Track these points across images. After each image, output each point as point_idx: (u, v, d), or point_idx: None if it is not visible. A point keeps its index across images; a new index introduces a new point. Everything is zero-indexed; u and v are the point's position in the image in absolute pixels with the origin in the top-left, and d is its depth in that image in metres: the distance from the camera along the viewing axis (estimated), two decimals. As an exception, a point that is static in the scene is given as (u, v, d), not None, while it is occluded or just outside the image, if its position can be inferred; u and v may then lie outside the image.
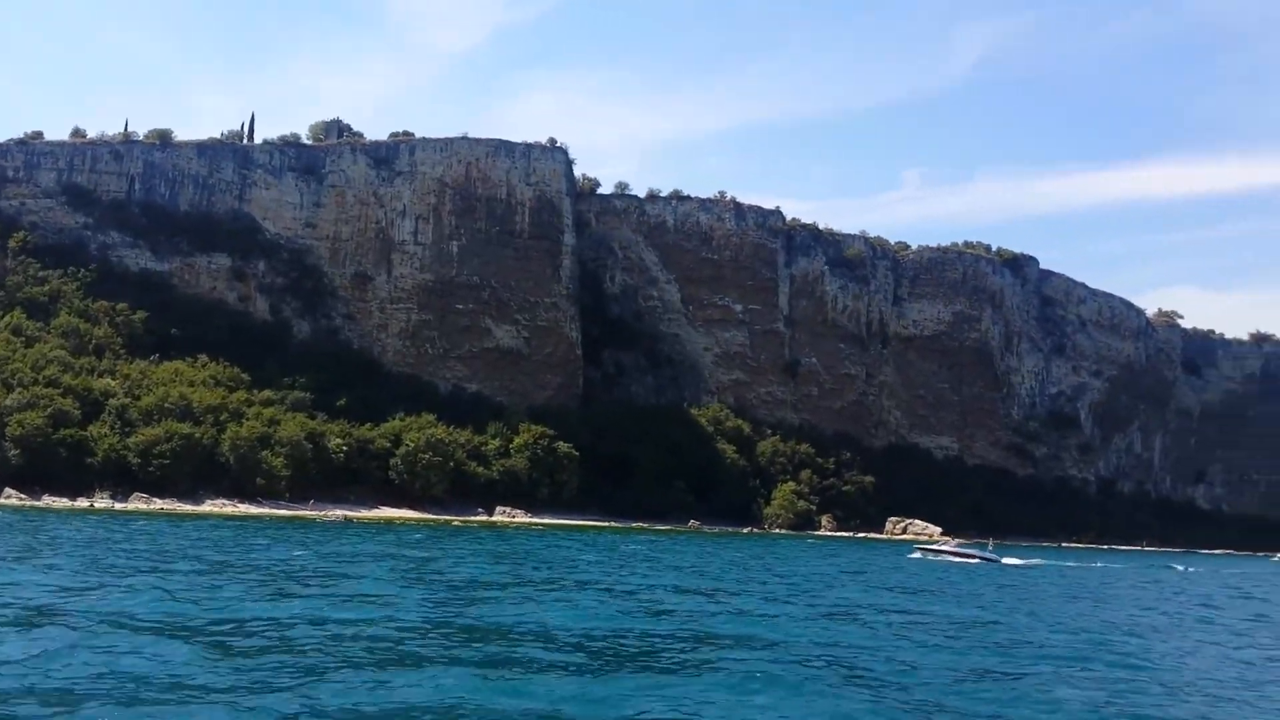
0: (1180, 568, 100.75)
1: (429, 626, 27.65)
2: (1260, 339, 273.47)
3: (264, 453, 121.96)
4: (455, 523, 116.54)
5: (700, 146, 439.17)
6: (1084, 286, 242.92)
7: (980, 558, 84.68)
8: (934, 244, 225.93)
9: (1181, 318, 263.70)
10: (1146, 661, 29.14)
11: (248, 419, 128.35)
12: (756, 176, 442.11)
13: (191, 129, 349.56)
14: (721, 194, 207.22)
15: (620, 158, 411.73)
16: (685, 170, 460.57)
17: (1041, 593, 55.67)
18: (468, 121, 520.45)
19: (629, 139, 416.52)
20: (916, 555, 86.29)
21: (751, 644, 27.50)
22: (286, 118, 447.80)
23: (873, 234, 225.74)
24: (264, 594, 33.56)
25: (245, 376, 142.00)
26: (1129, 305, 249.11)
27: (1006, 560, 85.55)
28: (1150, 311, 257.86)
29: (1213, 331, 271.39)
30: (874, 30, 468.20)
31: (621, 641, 27.19)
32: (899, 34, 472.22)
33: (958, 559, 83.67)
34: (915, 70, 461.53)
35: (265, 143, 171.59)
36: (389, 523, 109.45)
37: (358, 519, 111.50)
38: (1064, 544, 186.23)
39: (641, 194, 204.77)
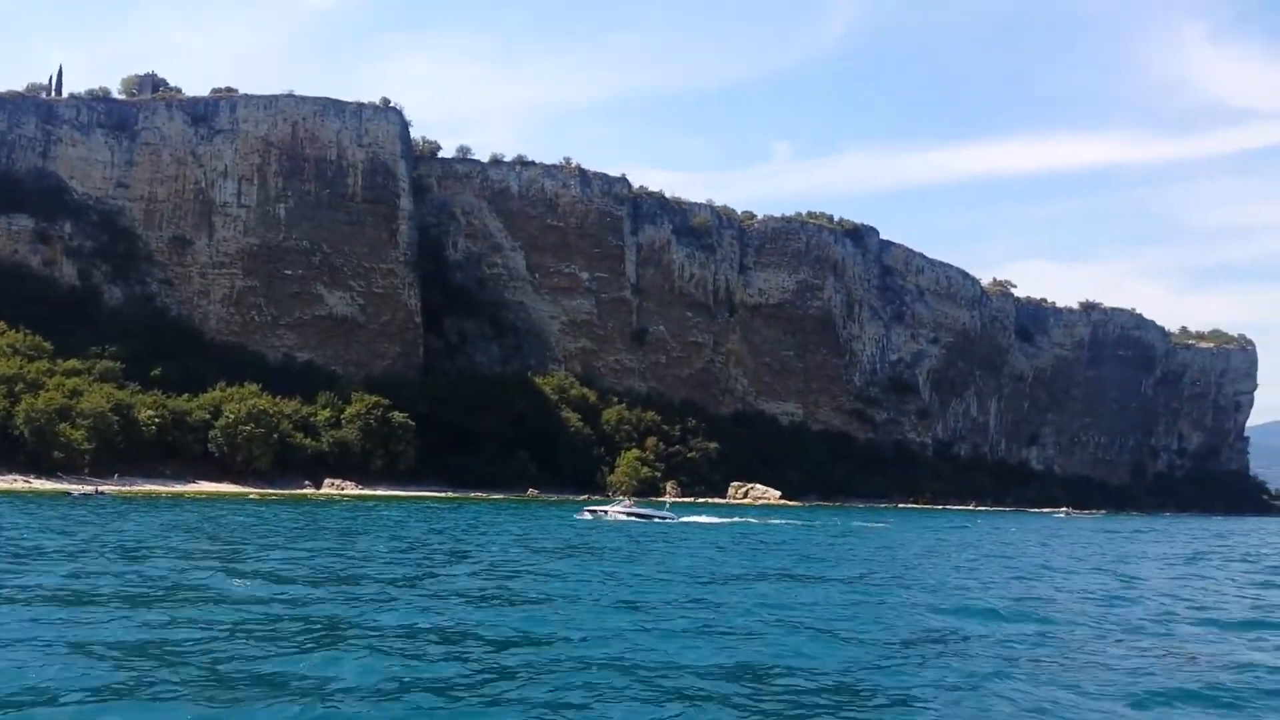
0: (882, 525, 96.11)
1: None
2: (1089, 307, 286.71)
3: (63, 425, 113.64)
4: (252, 496, 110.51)
5: (571, 116, 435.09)
6: (922, 256, 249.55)
7: (655, 517, 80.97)
8: (778, 214, 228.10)
9: (1015, 287, 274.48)
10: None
11: (47, 389, 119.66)
12: (625, 147, 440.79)
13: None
14: (567, 160, 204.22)
15: (484, 126, 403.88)
16: (555, 141, 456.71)
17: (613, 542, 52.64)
18: (329, 83, 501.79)
19: (495, 107, 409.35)
20: (586, 516, 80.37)
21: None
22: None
23: (741, 208, 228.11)
24: None
25: (48, 345, 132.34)
26: (965, 275, 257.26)
27: (686, 519, 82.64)
28: (985, 281, 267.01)
29: (1045, 300, 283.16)
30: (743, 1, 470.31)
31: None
32: (768, 4, 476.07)
33: (624, 519, 78.17)
34: (783, 42, 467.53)
35: (72, 97, 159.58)
36: (177, 497, 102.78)
37: (165, 494, 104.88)
38: (900, 504, 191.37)
39: (485, 159, 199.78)
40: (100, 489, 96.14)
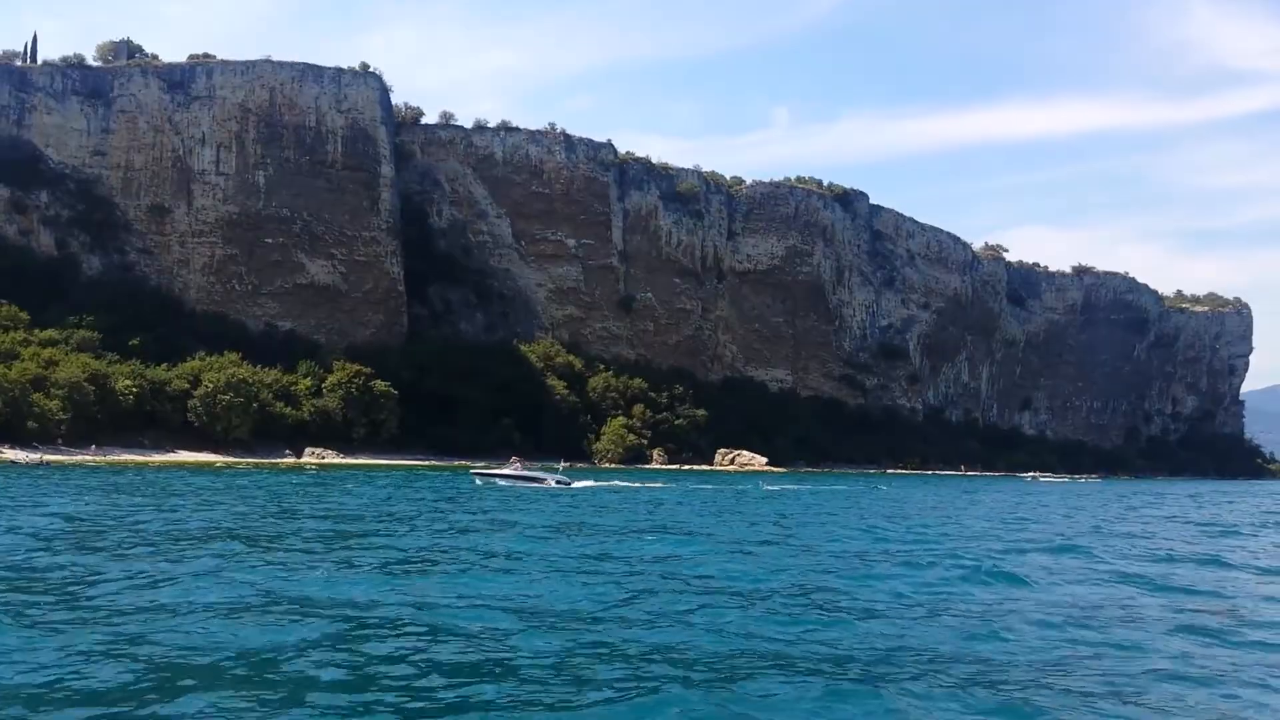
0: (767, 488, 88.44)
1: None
2: (1081, 271, 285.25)
3: (37, 395, 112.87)
4: (218, 464, 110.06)
5: (565, 83, 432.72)
6: (913, 221, 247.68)
7: (547, 480, 75.81)
8: (766, 179, 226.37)
9: (1006, 251, 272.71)
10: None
11: (22, 359, 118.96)
12: (621, 114, 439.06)
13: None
14: (552, 126, 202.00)
15: (476, 94, 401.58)
16: (549, 108, 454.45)
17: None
18: (316, 52, 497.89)
19: (487, 75, 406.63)
20: (478, 482, 75.80)
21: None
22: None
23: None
24: None
25: (25, 315, 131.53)
26: (956, 239, 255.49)
27: (578, 484, 77.57)
28: (976, 245, 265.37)
29: (1037, 264, 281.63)
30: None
31: None
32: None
33: (517, 483, 73.69)
34: (782, 6, 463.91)
35: (46, 64, 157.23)
36: (141, 466, 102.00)
37: (130, 463, 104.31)
38: (888, 470, 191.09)
39: (468, 125, 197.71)
40: (45, 458, 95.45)
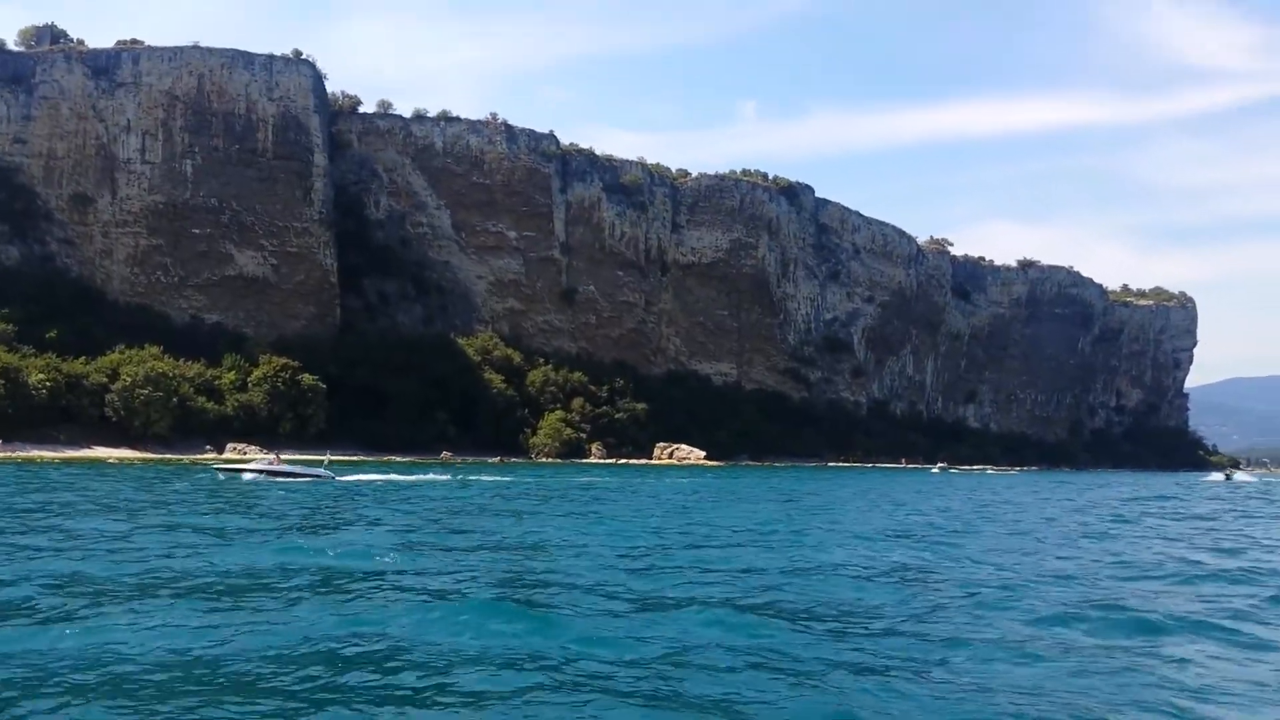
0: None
1: None
2: (1026, 265, 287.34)
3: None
4: (111, 460, 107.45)
5: (537, 77, 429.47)
6: (858, 214, 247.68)
7: (306, 476, 68.61)
8: (711, 171, 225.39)
9: (952, 245, 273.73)
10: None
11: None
12: (589, 109, 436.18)
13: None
14: (493, 116, 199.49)
15: (446, 88, 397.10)
16: (520, 101, 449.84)
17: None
18: (293, 43, 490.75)
19: (457, 68, 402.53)
20: (221, 477, 68.45)
21: None
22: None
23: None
24: None
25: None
26: (901, 233, 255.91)
27: (345, 478, 69.53)
28: (922, 239, 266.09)
29: (982, 258, 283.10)
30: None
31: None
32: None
33: (265, 478, 66.43)
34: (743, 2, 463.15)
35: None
36: (28, 461, 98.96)
37: (41, 459, 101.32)
38: (830, 463, 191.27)
39: (408, 114, 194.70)
40: None
